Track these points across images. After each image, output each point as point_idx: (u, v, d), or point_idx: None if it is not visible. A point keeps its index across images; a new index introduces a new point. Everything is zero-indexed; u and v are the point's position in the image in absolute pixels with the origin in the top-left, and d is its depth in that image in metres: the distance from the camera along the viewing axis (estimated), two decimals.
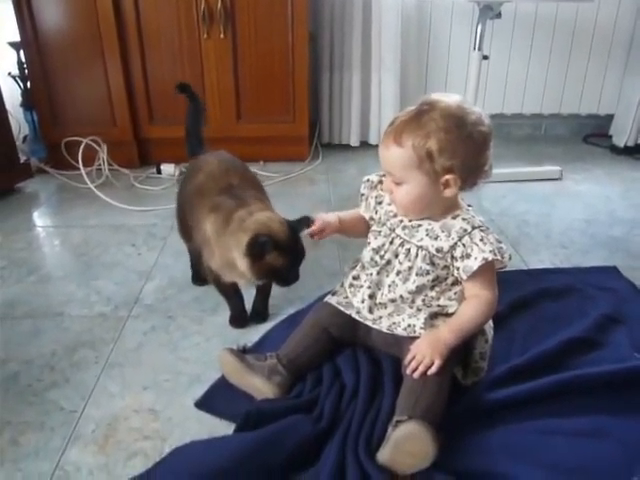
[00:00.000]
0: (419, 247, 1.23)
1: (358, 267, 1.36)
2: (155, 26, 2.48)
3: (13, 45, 2.57)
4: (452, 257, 1.20)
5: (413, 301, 1.26)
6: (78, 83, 2.55)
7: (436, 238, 1.21)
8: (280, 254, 1.34)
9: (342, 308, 1.34)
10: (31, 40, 2.46)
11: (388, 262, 1.28)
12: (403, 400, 1.15)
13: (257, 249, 1.31)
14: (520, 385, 1.26)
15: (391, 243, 1.28)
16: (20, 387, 1.33)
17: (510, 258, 1.20)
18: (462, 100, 1.20)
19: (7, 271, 1.84)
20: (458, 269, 1.20)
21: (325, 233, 1.38)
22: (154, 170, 2.64)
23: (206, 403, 1.28)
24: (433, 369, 1.15)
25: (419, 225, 1.24)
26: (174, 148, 2.65)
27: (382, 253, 1.29)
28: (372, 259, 1.31)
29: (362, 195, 1.38)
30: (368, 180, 1.38)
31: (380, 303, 1.30)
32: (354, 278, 1.36)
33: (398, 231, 1.27)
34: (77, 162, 2.47)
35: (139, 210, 2.27)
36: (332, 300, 1.38)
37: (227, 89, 2.58)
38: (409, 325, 1.26)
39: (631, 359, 1.37)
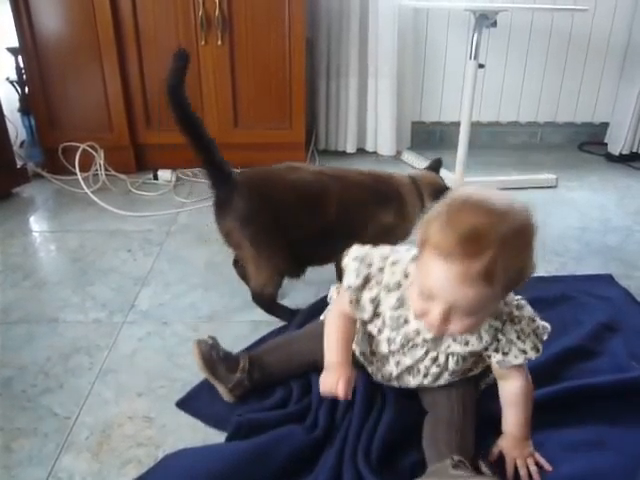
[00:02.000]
0: (449, 354, 1.12)
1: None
2: (153, 32, 2.48)
3: (11, 51, 2.57)
4: (487, 355, 1.12)
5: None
6: (76, 89, 2.55)
7: (466, 344, 1.09)
8: None
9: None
10: (29, 46, 2.46)
11: (409, 367, 1.17)
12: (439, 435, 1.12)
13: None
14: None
15: (411, 348, 1.14)
16: (14, 393, 1.32)
17: (549, 331, 1.10)
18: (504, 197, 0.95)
19: (2, 276, 1.84)
20: (491, 357, 1.11)
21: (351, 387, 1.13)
22: (151, 176, 2.64)
23: (187, 403, 1.29)
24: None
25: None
26: (171, 154, 2.68)
27: (403, 356, 1.16)
28: (397, 362, 1.18)
29: (351, 302, 1.12)
30: (349, 287, 1.11)
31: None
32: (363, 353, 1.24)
33: (417, 340, 1.12)
34: (74, 167, 2.47)
35: (135, 216, 2.27)
36: None
37: (224, 95, 2.59)
38: (421, 383, 1.20)
39: (630, 369, 1.38)
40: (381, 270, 1.10)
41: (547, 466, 1.11)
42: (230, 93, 2.59)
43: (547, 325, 1.10)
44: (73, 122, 2.60)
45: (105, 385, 1.36)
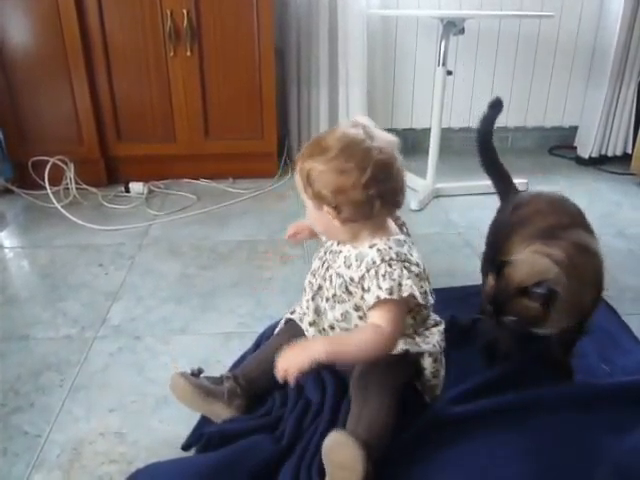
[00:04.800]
0: (337, 274, 1.22)
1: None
2: (121, 44, 2.47)
3: None
4: (362, 288, 1.17)
5: (346, 329, 1.25)
6: (44, 102, 2.52)
7: (349, 267, 1.20)
8: None
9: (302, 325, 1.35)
10: None
11: (319, 287, 1.27)
12: (348, 420, 1.15)
13: None
14: (484, 400, 1.27)
15: (322, 266, 1.27)
16: None
17: (427, 296, 1.18)
18: (366, 128, 1.16)
19: None
20: (364, 300, 1.18)
21: (300, 236, 1.41)
22: (122, 188, 2.62)
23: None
24: (290, 376, 1.11)
25: (340, 251, 1.24)
26: (142, 166, 2.67)
27: (316, 277, 1.29)
28: (309, 282, 1.31)
29: None
30: None
31: (323, 329, 1.29)
32: (306, 302, 1.33)
33: (327, 255, 1.27)
34: (44, 181, 2.44)
35: (107, 229, 2.26)
36: (295, 316, 1.38)
37: (195, 106, 2.58)
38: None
39: (599, 371, 1.41)
40: None
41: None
42: (200, 104, 2.58)
43: (413, 290, 1.13)
44: (42, 136, 2.58)
45: (76, 402, 1.34)
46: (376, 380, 1.18)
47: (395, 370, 1.21)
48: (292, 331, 1.35)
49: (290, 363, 1.11)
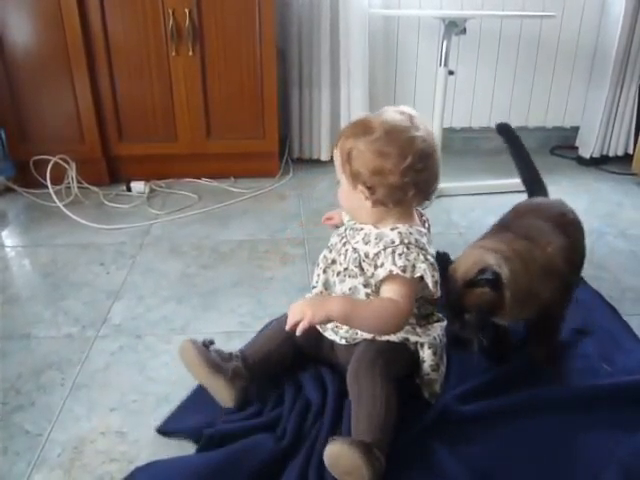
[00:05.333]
0: (354, 249, 1.25)
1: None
2: (123, 43, 2.47)
3: None
4: (375, 265, 1.20)
5: None
6: (46, 101, 2.53)
7: (367, 243, 1.23)
8: None
9: None
10: None
11: (333, 261, 1.30)
12: (351, 420, 1.16)
13: None
14: (485, 401, 1.28)
15: (340, 241, 1.30)
16: None
17: (437, 286, 1.19)
18: (412, 117, 1.20)
19: None
20: (375, 276, 1.20)
21: (332, 222, 1.47)
22: (124, 188, 2.62)
23: (168, 426, 1.25)
24: (301, 326, 1.10)
25: (361, 229, 1.26)
26: (144, 165, 2.67)
27: (332, 252, 1.31)
28: (324, 256, 1.33)
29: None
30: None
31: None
32: (316, 275, 1.35)
33: (347, 231, 1.30)
34: (46, 180, 2.44)
35: (108, 228, 2.26)
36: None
37: (196, 106, 2.58)
38: (348, 329, 1.29)
39: (601, 371, 1.40)
40: None
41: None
42: (202, 103, 2.58)
43: (426, 274, 1.17)
44: (44, 135, 2.58)
45: (77, 401, 1.34)
46: (368, 374, 1.19)
47: (388, 361, 1.21)
48: None
49: (303, 314, 1.09)
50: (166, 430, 1.24)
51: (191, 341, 1.27)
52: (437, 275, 1.19)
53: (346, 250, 1.26)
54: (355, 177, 1.19)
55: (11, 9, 2.36)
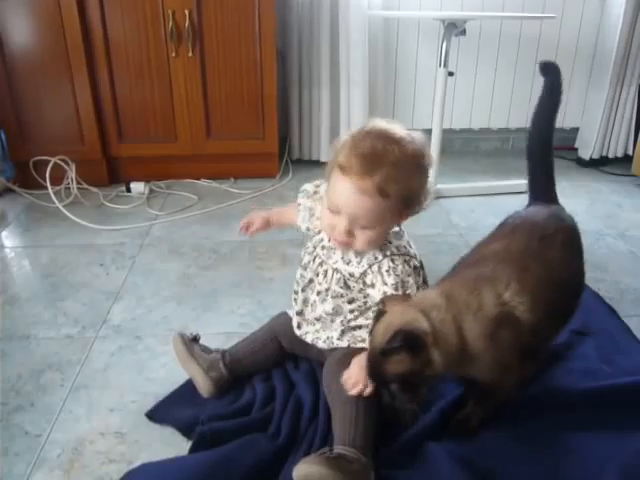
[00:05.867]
0: (334, 269, 1.24)
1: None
2: (123, 44, 2.47)
3: None
4: (364, 283, 1.21)
5: (332, 321, 1.28)
6: (46, 101, 2.53)
7: (348, 263, 1.22)
8: None
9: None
10: None
11: (310, 280, 1.30)
12: (337, 429, 1.16)
13: None
14: None
15: (313, 261, 1.28)
16: None
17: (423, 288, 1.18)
18: (404, 129, 1.16)
19: None
20: (368, 295, 1.22)
21: (253, 228, 1.44)
22: (124, 188, 2.62)
23: (157, 413, 1.30)
24: (367, 391, 1.13)
25: (333, 247, 1.25)
26: (144, 166, 2.68)
27: (307, 271, 1.30)
28: (301, 275, 1.33)
29: (298, 205, 1.37)
30: (304, 190, 1.37)
31: (308, 319, 1.33)
32: (294, 292, 1.36)
33: (318, 250, 1.28)
34: (45, 181, 2.44)
35: (108, 229, 2.26)
36: (290, 310, 1.41)
37: (196, 106, 2.58)
38: (328, 337, 1.30)
39: (600, 373, 1.40)
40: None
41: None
42: (202, 104, 2.58)
43: (413, 289, 1.16)
44: (44, 135, 2.58)
45: (77, 401, 1.34)
46: (335, 377, 1.20)
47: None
48: (288, 319, 1.39)
49: (359, 383, 1.14)
50: (155, 418, 1.28)
51: (180, 334, 1.38)
52: (422, 274, 1.21)
53: (325, 270, 1.26)
54: (406, 201, 1.13)
55: (11, 10, 2.36)
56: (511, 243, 1.18)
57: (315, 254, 1.29)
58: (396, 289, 1.15)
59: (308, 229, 1.36)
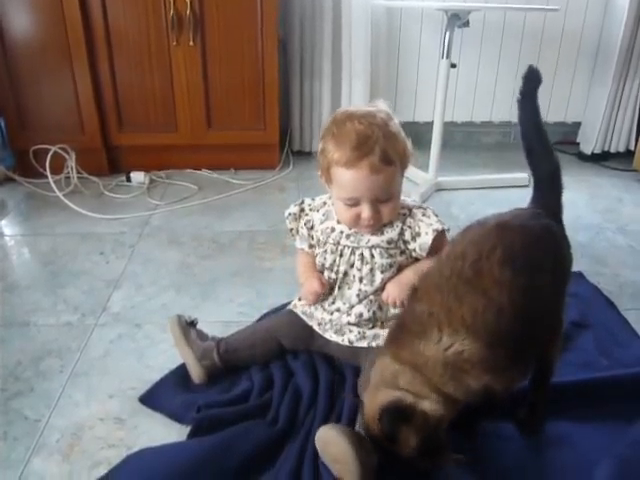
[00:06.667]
0: (371, 247, 1.28)
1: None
2: (123, 33, 2.46)
3: None
4: (404, 242, 1.27)
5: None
6: (46, 90, 2.52)
7: (383, 233, 1.28)
8: None
9: (306, 318, 1.38)
10: None
11: (345, 274, 1.31)
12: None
13: None
14: None
15: (341, 256, 1.31)
16: None
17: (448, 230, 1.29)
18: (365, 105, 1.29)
19: None
20: (415, 250, 1.28)
21: (319, 295, 1.34)
22: (124, 178, 2.62)
23: (150, 398, 1.30)
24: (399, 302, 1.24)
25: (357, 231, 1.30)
26: (144, 155, 2.67)
27: (336, 269, 1.32)
28: (328, 277, 1.34)
29: (291, 230, 1.41)
30: (290, 214, 1.39)
31: (349, 323, 1.32)
32: (322, 298, 1.36)
33: (344, 242, 1.31)
34: (45, 170, 2.44)
35: (108, 218, 2.26)
36: (297, 309, 1.40)
37: (197, 96, 2.58)
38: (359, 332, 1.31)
39: (598, 365, 1.40)
40: (311, 200, 1.39)
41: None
42: (203, 94, 2.58)
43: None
44: (44, 124, 2.57)
45: (76, 387, 1.35)
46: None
47: None
48: (294, 320, 1.39)
49: (396, 297, 1.24)
50: (148, 403, 1.29)
51: (178, 316, 1.39)
52: None
53: (360, 254, 1.29)
54: (403, 160, 1.25)
55: None
56: (444, 268, 1.05)
57: (341, 248, 1.31)
58: (441, 222, 1.27)
59: (311, 245, 1.38)
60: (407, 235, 1.27)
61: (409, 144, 1.27)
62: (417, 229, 1.27)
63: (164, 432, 1.21)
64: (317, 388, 1.29)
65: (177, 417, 1.24)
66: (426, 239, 1.25)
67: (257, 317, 1.60)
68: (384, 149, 1.17)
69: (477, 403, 1.06)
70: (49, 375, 1.39)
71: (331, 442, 1.02)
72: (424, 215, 1.28)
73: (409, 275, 1.25)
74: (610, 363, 1.41)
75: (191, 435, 1.18)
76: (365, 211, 1.22)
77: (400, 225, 1.27)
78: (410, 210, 1.29)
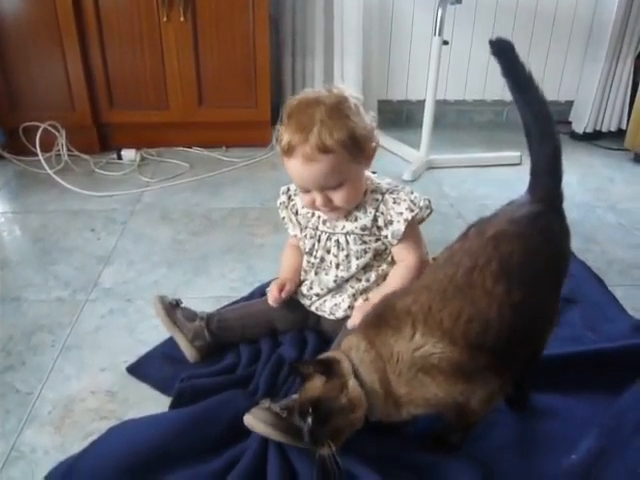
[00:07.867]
0: (346, 234, 1.28)
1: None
2: (113, 9, 2.44)
3: None
4: (378, 228, 1.26)
5: (359, 280, 1.32)
6: (36, 68, 2.50)
7: (356, 219, 1.27)
8: None
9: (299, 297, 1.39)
10: None
11: (322, 260, 1.33)
12: None
13: None
14: None
15: (319, 241, 1.32)
16: None
17: (430, 206, 1.29)
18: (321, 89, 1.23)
19: None
20: (387, 237, 1.26)
21: (286, 290, 1.34)
22: (114, 155, 2.61)
23: (137, 368, 1.32)
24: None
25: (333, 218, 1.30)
26: (135, 133, 2.66)
27: (314, 253, 1.34)
28: (308, 262, 1.36)
29: (283, 218, 1.41)
30: (280, 203, 1.40)
31: (321, 295, 1.36)
32: (303, 282, 1.39)
33: (321, 227, 1.32)
34: (35, 147, 2.43)
35: (99, 195, 2.25)
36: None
37: (188, 74, 2.56)
38: (335, 304, 1.33)
39: (584, 339, 1.42)
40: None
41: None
42: (194, 71, 2.56)
43: (427, 198, 1.28)
44: (34, 102, 2.55)
45: (68, 361, 1.35)
46: None
47: None
48: (288, 302, 1.37)
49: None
50: (135, 373, 1.31)
51: (159, 297, 1.37)
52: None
53: (336, 241, 1.29)
54: (355, 144, 1.17)
55: None
56: (438, 272, 1.03)
57: (319, 233, 1.32)
58: (412, 210, 1.23)
59: (301, 229, 1.38)
60: (380, 222, 1.26)
61: (369, 125, 1.20)
62: (389, 217, 1.25)
63: (154, 405, 1.22)
64: (302, 357, 1.31)
65: (163, 388, 1.26)
66: (398, 227, 1.24)
67: (249, 292, 1.61)
68: (321, 137, 1.12)
69: (450, 420, 1.06)
70: (40, 349, 1.39)
71: (255, 426, 1.06)
72: (395, 202, 1.24)
73: (377, 300, 1.14)
74: (596, 337, 1.43)
75: (173, 404, 1.19)
76: (317, 198, 1.21)
77: (373, 212, 1.26)
78: (383, 195, 1.26)
